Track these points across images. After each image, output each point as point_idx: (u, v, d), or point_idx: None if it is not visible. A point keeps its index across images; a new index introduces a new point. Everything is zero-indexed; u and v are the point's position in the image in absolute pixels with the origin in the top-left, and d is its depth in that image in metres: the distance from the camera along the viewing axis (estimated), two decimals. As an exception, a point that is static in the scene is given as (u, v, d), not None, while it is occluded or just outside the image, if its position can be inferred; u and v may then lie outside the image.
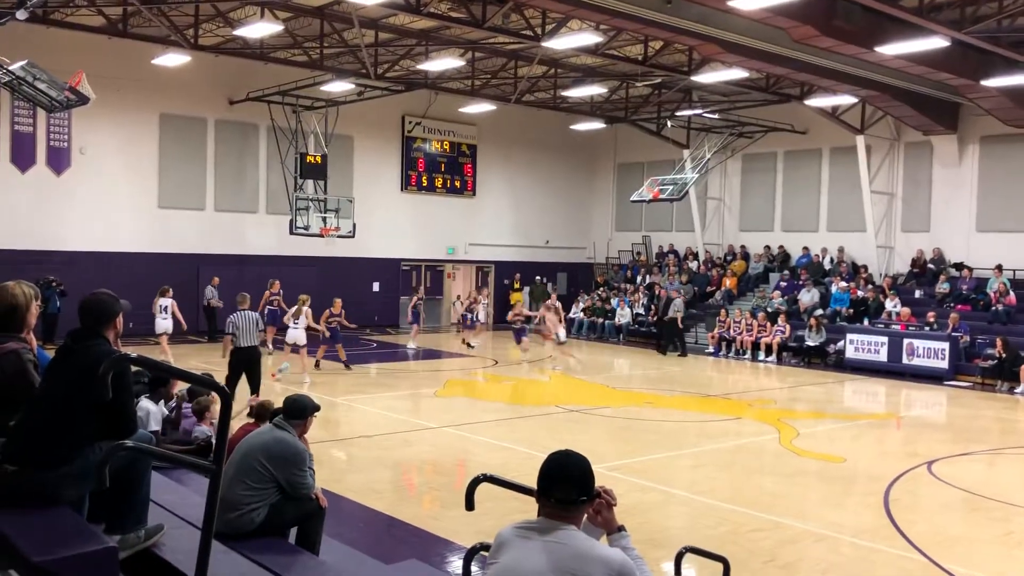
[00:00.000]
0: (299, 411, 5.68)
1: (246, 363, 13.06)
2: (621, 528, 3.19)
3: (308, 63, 21.29)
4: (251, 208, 25.34)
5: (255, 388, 13.07)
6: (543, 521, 3.00)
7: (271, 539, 5.16)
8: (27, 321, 4.46)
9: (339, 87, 22.41)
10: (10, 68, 15.58)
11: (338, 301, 18.95)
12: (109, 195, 22.74)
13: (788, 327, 22.69)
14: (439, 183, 29.24)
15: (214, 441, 7.38)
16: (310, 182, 24.19)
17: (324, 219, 23.72)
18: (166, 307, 18.38)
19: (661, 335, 24.23)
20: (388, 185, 28.00)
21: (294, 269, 24.79)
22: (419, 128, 28.52)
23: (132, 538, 4.18)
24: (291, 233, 23.61)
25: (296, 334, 17.10)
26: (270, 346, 20.20)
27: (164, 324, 18.39)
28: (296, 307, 17.30)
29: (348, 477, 9.95)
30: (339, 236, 24.06)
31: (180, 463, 5.91)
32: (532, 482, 3.65)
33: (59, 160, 22.15)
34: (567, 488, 3.00)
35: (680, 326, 23.74)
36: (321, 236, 23.82)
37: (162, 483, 5.37)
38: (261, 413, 7.72)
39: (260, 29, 17.84)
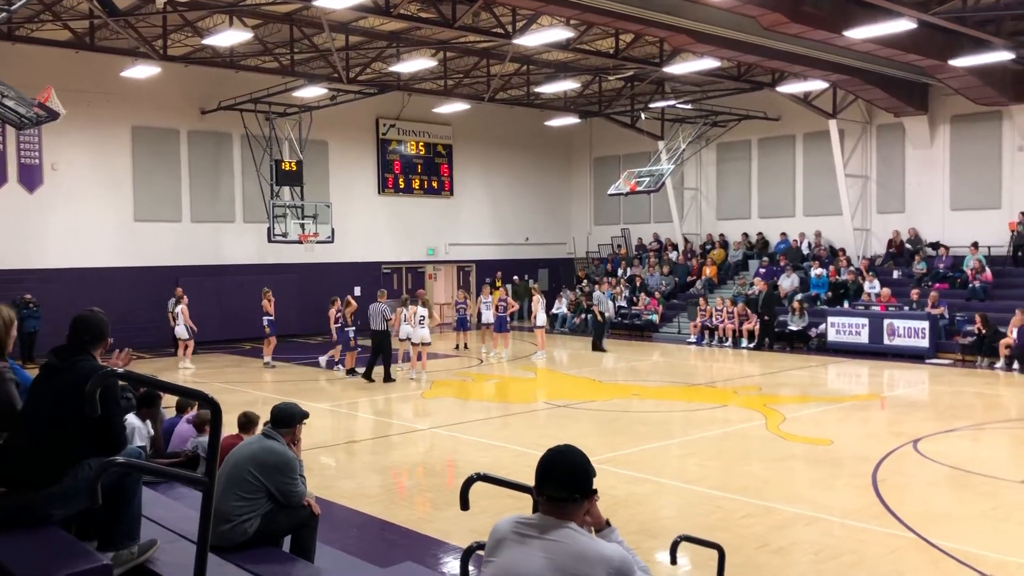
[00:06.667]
0: (287, 419, 5.66)
1: None
2: (608, 523, 3.17)
3: (279, 69, 21.19)
4: (228, 218, 25.19)
5: None
6: (540, 518, 2.96)
7: (266, 549, 5.14)
8: (6, 345, 4.42)
9: (311, 92, 22.31)
10: (-23, 87, 15.41)
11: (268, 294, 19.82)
12: (84, 210, 22.53)
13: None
14: (416, 184, 29.20)
15: (202, 453, 7.36)
16: (286, 189, 24.06)
17: (302, 225, 23.61)
18: None
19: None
20: (365, 188, 27.93)
21: (274, 277, 24.66)
22: (394, 130, 28.46)
23: (125, 554, 4.16)
24: (270, 241, 23.49)
25: (423, 333, 17.80)
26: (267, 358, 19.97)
27: None
28: (417, 306, 18.13)
29: (339, 483, 9.93)
30: (318, 242, 23.97)
31: (172, 477, 5.87)
32: (524, 479, 3.66)
33: (31, 177, 21.92)
34: (560, 486, 2.94)
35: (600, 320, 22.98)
36: (300, 243, 23.72)
37: (152, 498, 5.33)
38: (245, 424, 7.69)
39: (229, 37, 17.73)
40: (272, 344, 19.85)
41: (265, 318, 19.78)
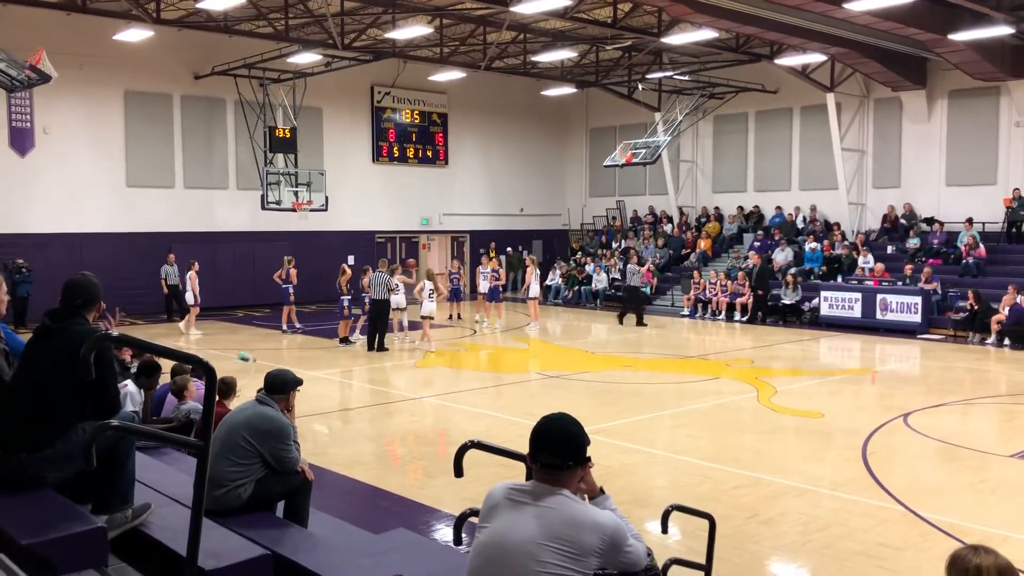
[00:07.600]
0: (280, 386, 5.66)
1: None
2: (602, 491, 3.19)
3: (274, 35, 20.96)
4: (221, 184, 25.04)
5: None
6: (535, 485, 2.97)
7: (259, 513, 5.16)
8: None
9: (306, 58, 22.11)
10: (-33, 48, 15.22)
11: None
12: (76, 175, 22.37)
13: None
14: (411, 153, 29.03)
15: (195, 418, 7.37)
16: (280, 156, 23.93)
17: (296, 193, 23.51)
18: None
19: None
20: (359, 156, 27.77)
21: (268, 245, 24.60)
22: (388, 98, 28.24)
23: (119, 517, 4.17)
24: (263, 208, 23.38)
25: (430, 306, 17.96)
26: (296, 324, 20.15)
27: None
28: (424, 279, 18.28)
29: (332, 450, 9.97)
30: (312, 210, 23.86)
31: (167, 441, 5.88)
32: (517, 448, 3.67)
33: (23, 141, 21.73)
34: (554, 453, 2.95)
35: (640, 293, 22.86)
36: (294, 211, 23.61)
37: (145, 462, 5.34)
38: (224, 390, 7.69)
39: (223, 1, 17.51)
40: (292, 311, 20.19)
41: (289, 286, 20.01)
